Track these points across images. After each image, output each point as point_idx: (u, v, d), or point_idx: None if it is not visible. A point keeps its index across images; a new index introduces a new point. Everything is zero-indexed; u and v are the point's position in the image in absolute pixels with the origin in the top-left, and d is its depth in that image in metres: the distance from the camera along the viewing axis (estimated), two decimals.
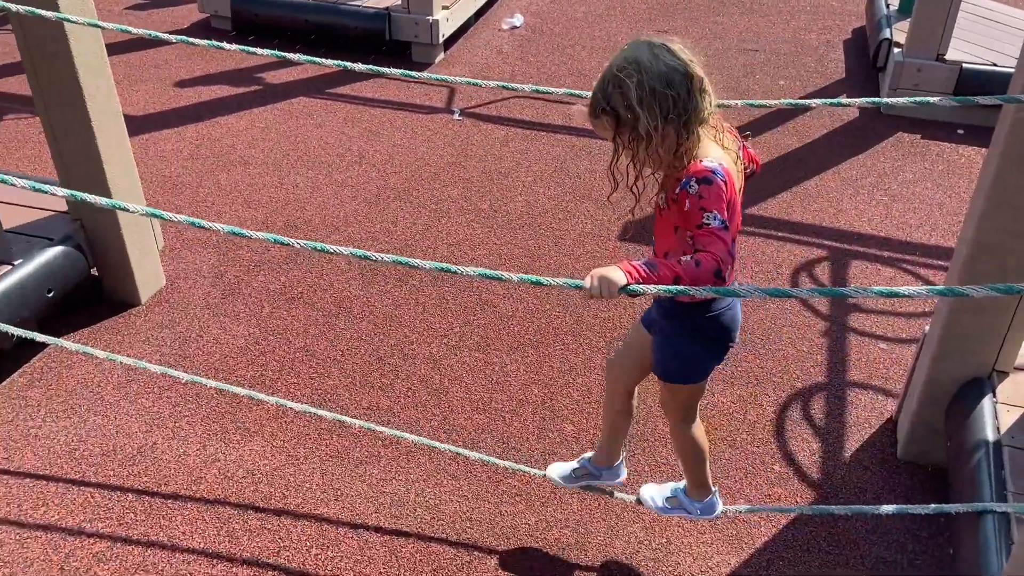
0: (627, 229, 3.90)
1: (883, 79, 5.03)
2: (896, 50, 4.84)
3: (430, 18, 5.29)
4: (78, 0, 2.76)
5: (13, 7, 2.48)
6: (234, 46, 2.43)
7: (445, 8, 5.44)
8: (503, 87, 2.51)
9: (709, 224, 1.68)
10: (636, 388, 2.24)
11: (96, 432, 2.75)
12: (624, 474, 2.39)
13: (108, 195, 3.04)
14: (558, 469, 2.41)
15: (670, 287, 1.67)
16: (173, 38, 2.47)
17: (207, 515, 2.49)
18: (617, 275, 1.67)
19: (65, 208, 3.21)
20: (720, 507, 2.29)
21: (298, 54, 2.46)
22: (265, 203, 4.02)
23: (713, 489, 2.26)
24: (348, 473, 2.64)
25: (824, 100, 2.30)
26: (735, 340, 1.99)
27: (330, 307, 3.37)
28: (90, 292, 3.27)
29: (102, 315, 3.25)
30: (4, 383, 2.91)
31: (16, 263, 2.91)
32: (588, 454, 2.40)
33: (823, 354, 3.19)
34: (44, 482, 2.57)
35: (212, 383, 2.62)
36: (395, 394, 2.96)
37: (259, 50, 2.43)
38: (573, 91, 2.41)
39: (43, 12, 2.43)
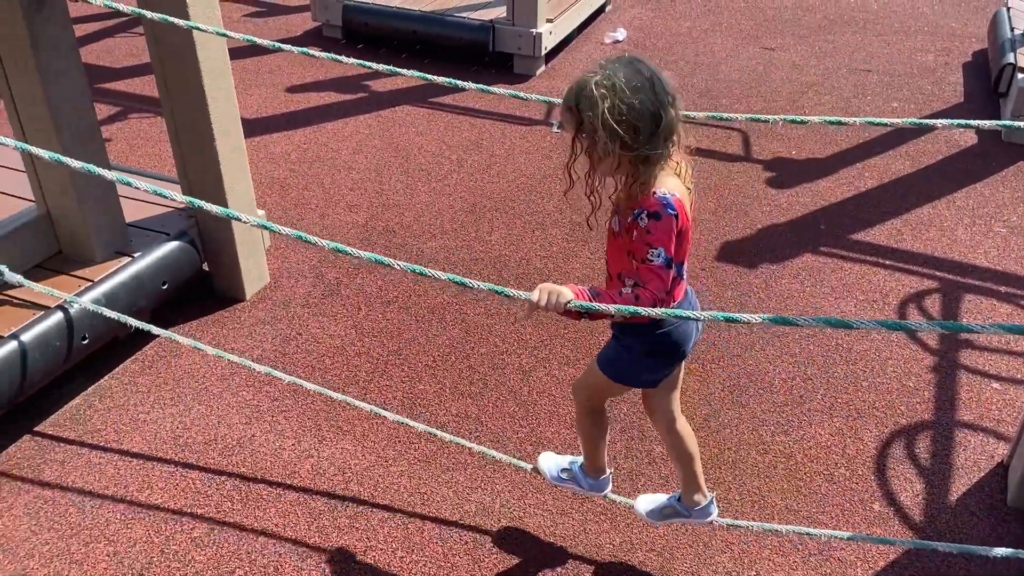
0: (722, 250, 3.82)
1: (1005, 105, 4.77)
2: (1020, 76, 4.59)
3: (534, 31, 5.33)
4: (207, 9, 2.90)
5: (148, 14, 2.63)
6: (351, 60, 2.51)
7: (549, 21, 5.47)
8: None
9: (652, 261, 1.76)
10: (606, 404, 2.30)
11: (199, 421, 2.87)
12: (609, 486, 2.41)
13: (223, 194, 3.18)
14: (547, 462, 2.43)
15: (608, 307, 1.74)
16: (295, 49, 2.57)
17: (299, 509, 2.56)
18: (567, 293, 1.75)
19: (182, 205, 3.37)
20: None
21: (409, 70, 2.53)
22: (366, 207, 4.13)
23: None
24: (435, 479, 2.67)
25: (948, 121, 2.19)
26: (687, 353, 2.05)
27: (424, 312, 3.42)
28: (200, 286, 3.42)
29: (210, 308, 3.39)
30: (118, 369, 3.07)
31: (136, 255, 3.08)
32: (580, 460, 2.39)
33: (931, 391, 3.04)
34: (150, 466, 2.69)
35: (311, 386, 2.70)
36: (484, 403, 2.98)
37: (375, 65, 2.51)
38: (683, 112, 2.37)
39: (176, 20, 2.57)
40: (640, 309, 1.73)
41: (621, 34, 6.07)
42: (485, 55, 5.55)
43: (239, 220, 2.13)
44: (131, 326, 2.73)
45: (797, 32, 6.15)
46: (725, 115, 2.22)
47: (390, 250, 3.79)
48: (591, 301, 1.76)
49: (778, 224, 4.02)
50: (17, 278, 2.82)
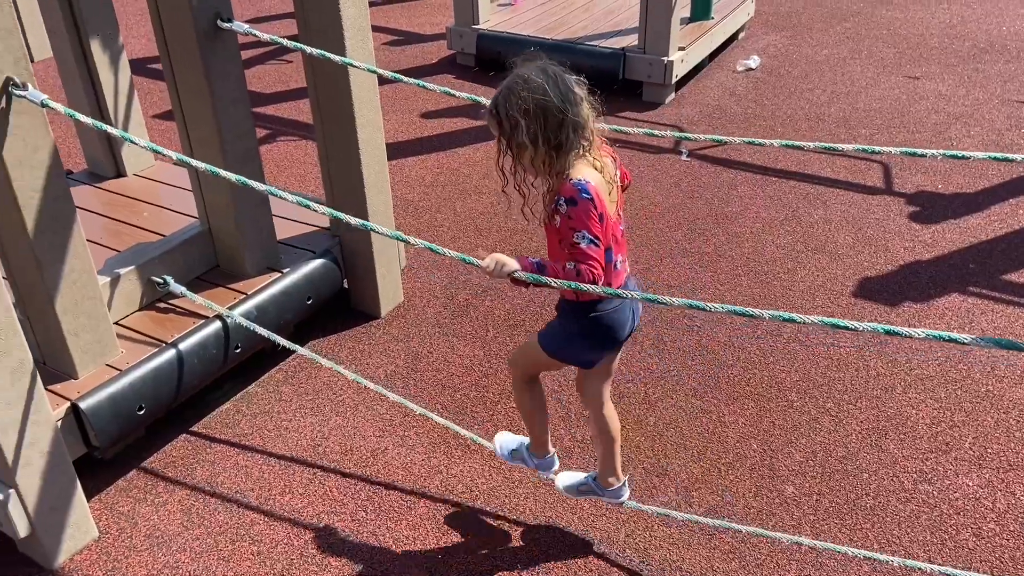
0: (861, 285, 3.67)
1: None
2: None
3: (665, 59, 5.33)
4: (361, 43, 3.07)
5: (308, 49, 2.81)
6: (461, 94, 2.61)
7: (681, 49, 5.45)
8: (749, 142, 2.46)
9: (579, 244, 1.89)
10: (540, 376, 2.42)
11: (336, 431, 3.00)
12: (556, 465, 2.54)
13: (366, 214, 3.34)
14: (502, 439, 2.60)
15: (547, 279, 1.88)
16: (437, 88, 2.67)
17: (429, 524, 2.63)
18: (513, 263, 1.91)
19: (327, 225, 3.56)
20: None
21: None
22: (495, 231, 4.22)
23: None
24: (560, 503, 2.69)
25: None
26: (619, 340, 2.18)
27: None
28: (340, 302, 3.59)
29: (348, 324, 3.55)
30: (263, 377, 3.26)
31: (285, 271, 3.26)
32: (527, 440, 2.53)
33: None
34: (291, 471, 2.84)
35: (440, 420, 2.80)
36: None
37: (481, 99, 2.58)
38: (790, 142, 2.31)
39: (332, 56, 2.74)
40: (581, 285, 1.86)
41: (754, 61, 5.97)
42: (615, 82, 5.58)
43: (377, 231, 2.23)
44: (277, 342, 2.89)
45: (943, 60, 5.86)
46: (877, 148, 2.14)
47: None
48: (536, 272, 1.91)
49: (922, 261, 3.83)
50: (181, 289, 3.05)
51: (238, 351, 3.03)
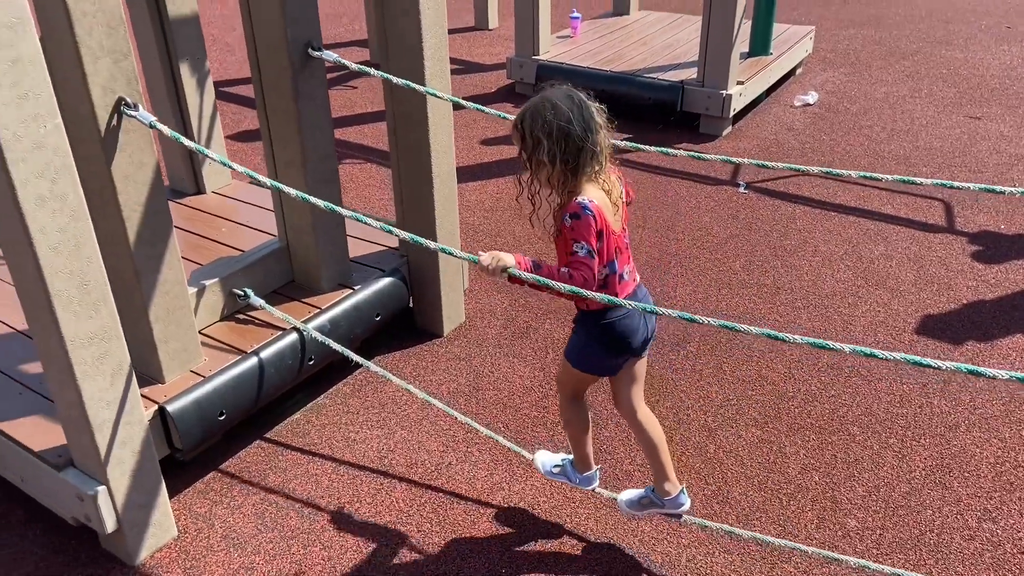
0: (923, 323, 3.67)
1: None
2: None
3: (724, 92, 5.40)
4: (439, 71, 3.21)
5: (394, 79, 2.95)
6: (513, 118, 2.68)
7: (739, 83, 5.52)
8: (793, 169, 2.52)
9: (577, 253, 2.05)
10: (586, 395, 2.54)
11: (402, 445, 3.09)
12: (596, 481, 2.66)
13: (434, 237, 3.45)
14: (543, 457, 2.73)
15: (542, 279, 2.00)
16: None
17: (491, 539, 2.70)
18: (509, 259, 2.03)
19: (396, 245, 3.68)
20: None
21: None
22: (553, 258, 4.29)
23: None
24: (621, 525, 2.73)
25: None
26: (633, 347, 2.30)
27: None
28: (405, 320, 3.70)
29: (412, 341, 3.66)
30: (332, 389, 3.37)
31: (356, 288, 3.38)
32: (571, 457, 2.66)
33: None
34: (358, 481, 2.93)
35: (504, 442, 2.88)
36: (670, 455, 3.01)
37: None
38: (868, 173, 2.36)
39: (414, 85, 2.87)
40: (582, 290, 1.98)
41: (812, 97, 6.02)
42: (671, 114, 5.66)
43: (451, 255, 2.32)
44: (345, 355, 3.00)
45: (1006, 101, 5.84)
46: (956, 183, 2.19)
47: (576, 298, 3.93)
48: (530, 270, 2.03)
49: (985, 300, 3.82)
50: (260, 302, 3.18)
51: (311, 363, 3.14)
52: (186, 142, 2.43)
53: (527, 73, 6.28)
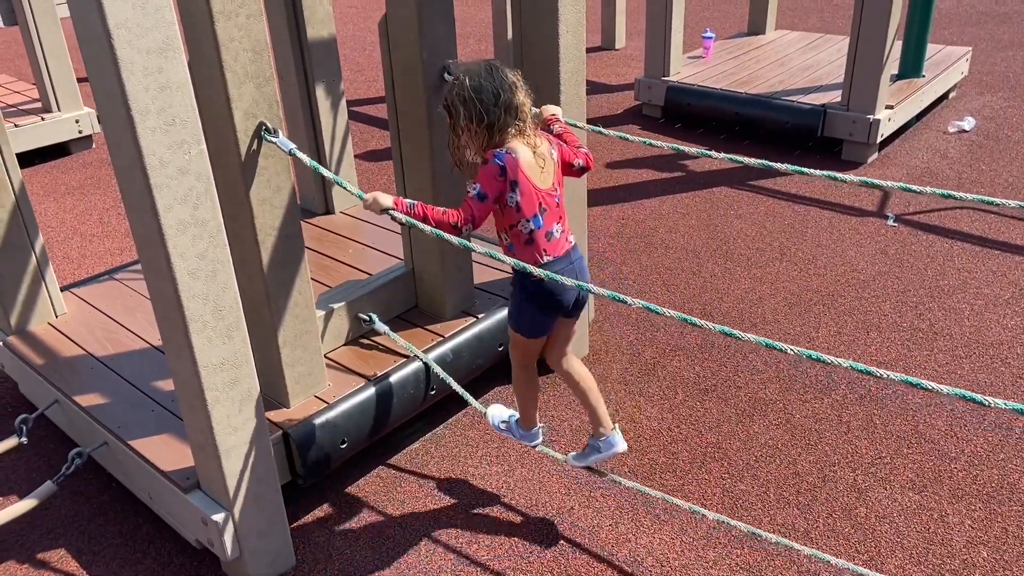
0: None
1: None
2: None
3: (871, 117, 5.04)
4: (575, 97, 3.09)
5: (536, 110, 2.83)
6: (665, 144, 2.51)
7: (888, 107, 5.15)
8: (947, 196, 2.20)
9: (469, 192, 2.21)
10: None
11: (521, 484, 2.96)
12: (540, 439, 2.74)
13: None
14: (495, 410, 2.81)
15: (417, 222, 2.19)
16: (636, 139, 2.61)
17: None
18: (386, 200, 2.21)
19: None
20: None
21: (725, 153, 2.45)
22: (682, 288, 4.09)
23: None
24: None
25: None
26: (562, 304, 2.39)
27: (744, 406, 3.27)
28: None
29: None
30: (451, 420, 3.29)
31: (479, 316, 3.29)
32: (517, 415, 2.74)
33: None
34: (477, 519, 2.82)
35: (629, 484, 2.71)
36: (813, 517, 2.75)
37: (689, 148, 2.51)
38: None
39: (580, 125, 2.75)
40: (444, 233, 2.17)
41: (968, 123, 5.54)
42: (811, 140, 5.34)
43: (590, 290, 2.16)
44: (468, 379, 2.90)
45: None
46: None
47: (706, 334, 3.71)
48: (406, 210, 2.20)
49: None
50: (384, 328, 3.14)
51: (433, 392, 3.07)
52: (324, 172, 2.40)
53: (656, 95, 6.10)
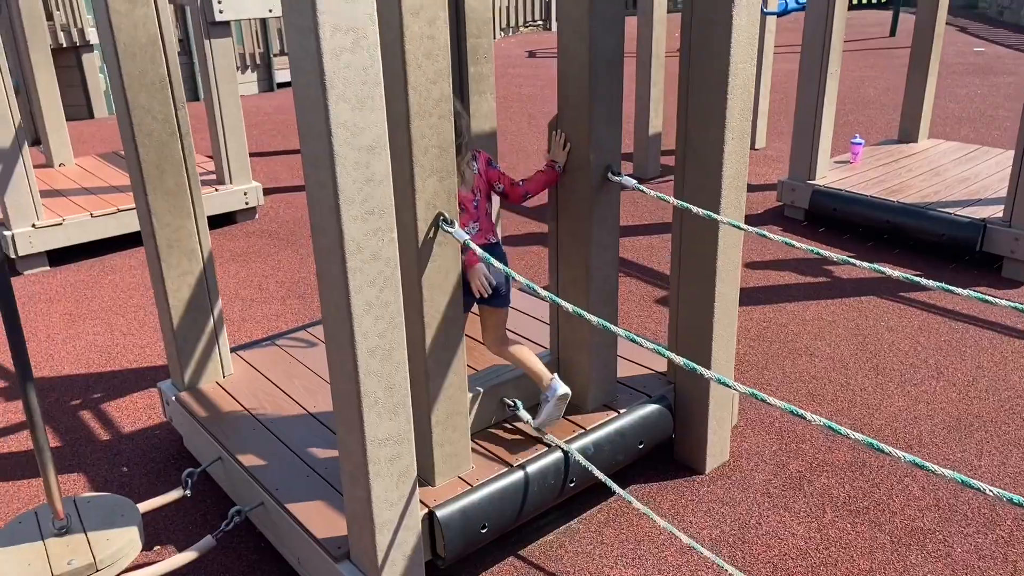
0: None
1: None
2: None
3: None
4: (735, 200, 3.11)
5: (694, 208, 2.88)
6: (858, 261, 2.44)
7: None
8: None
9: (516, 182, 3.03)
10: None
11: None
12: (561, 386, 3.08)
13: (708, 365, 3.28)
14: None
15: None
16: (803, 247, 2.57)
17: None
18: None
19: (663, 369, 3.55)
20: (561, 387, 3.07)
21: (881, 264, 2.36)
22: (830, 399, 3.94)
23: (551, 375, 3.10)
24: None
25: None
26: (470, 290, 2.88)
27: (899, 533, 3.08)
28: (662, 450, 3.52)
29: (669, 474, 3.46)
30: (586, 514, 3.25)
31: (621, 411, 3.28)
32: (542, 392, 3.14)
33: None
34: None
35: None
36: None
37: (858, 263, 2.42)
38: None
39: (716, 216, 2.77)
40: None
41: None
42: (967, 254, 5.12)
43: (729, 386, 2.13)
44: (608, 474, 2.87)
45: None
46: None
47: (857, 452, 3.54)
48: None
49: None
50: (527, 416, 3.18)
51: (572, 485, 3.06)
52: (496, 264, 2.51)
53: (800, 198, 6.03)
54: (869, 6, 17.15)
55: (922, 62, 6.58)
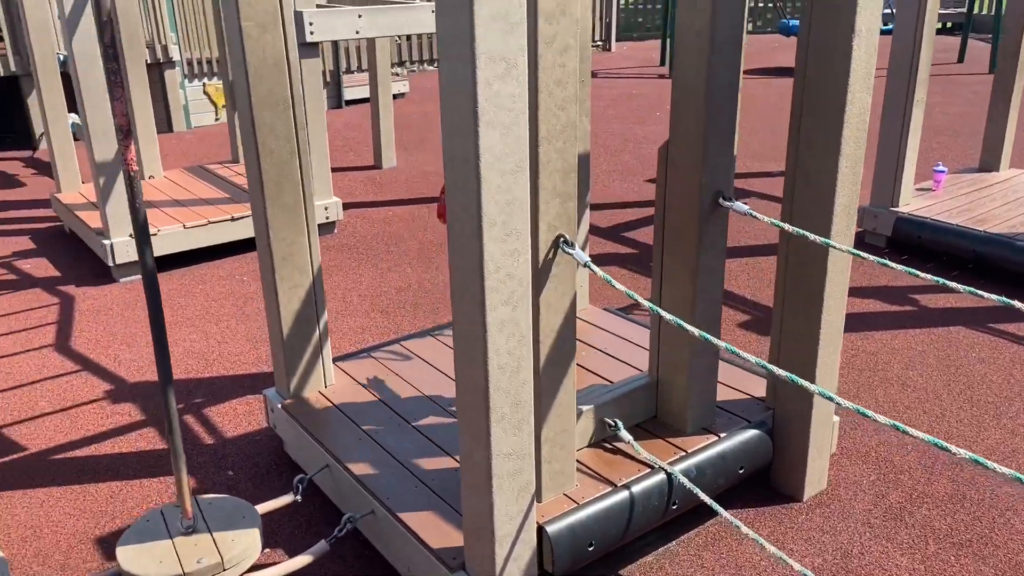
0: None
1: None
2: None
3: None
4: (846, 226, 3.12)
5: (789, 227, 2.90)
6: (961, 287, 2.43)
7: None
8: None
9: None
10: None
11: None
12: None
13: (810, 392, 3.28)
14: None
15: None
16: (920, 274, 2.57)
17: None
18: None
19: (761, 395, 3.55)
20: None
21: (962, 285, 2.34)
22: (925, 431, 3.89)
23: None
24: None
25: None
26: None
27: (1004, 567, 3.02)
28: (758, 476, 3.52)
29: (765, 501, 3.45)
30: (684, 537, 3.26)
31: (721, 435, 3.29)
32: None
33: None
34: None
35: None
36: None
37: (960, 287, 2.41)
38: None
39: (813, 236, 2.79)
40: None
41: None
42: None
43: (832, 399, 2.13)
44: (707, 500, 2.88)
45: None
46: None
47: (958, 484, 3.48)
48: None
49: None
50: (628, 436, 3.21)
51: (675, 507, 3.08)
52: (618, 285, 2.56)
53: (882, 224, 5.97)
54: (937, 32, 16.89)
55: (1006, 90, 6.48)
